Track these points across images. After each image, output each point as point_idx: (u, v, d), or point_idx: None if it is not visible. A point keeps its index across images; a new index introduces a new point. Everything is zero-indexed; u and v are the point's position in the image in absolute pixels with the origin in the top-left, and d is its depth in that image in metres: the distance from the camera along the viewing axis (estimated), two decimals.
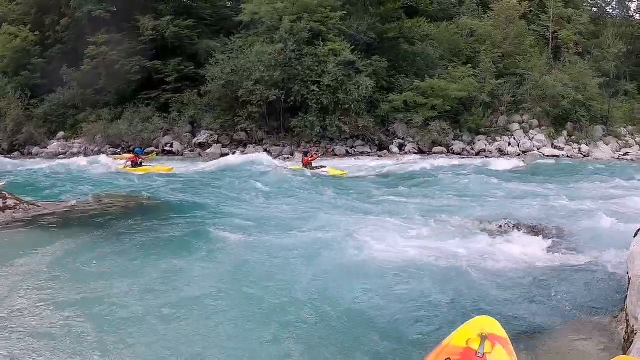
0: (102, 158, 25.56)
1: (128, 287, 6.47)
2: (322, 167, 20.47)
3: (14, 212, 10.43)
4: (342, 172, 20.14)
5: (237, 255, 7.89)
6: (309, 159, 20.90)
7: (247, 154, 27.34)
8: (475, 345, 3.10)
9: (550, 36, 36.54)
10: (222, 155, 28.01)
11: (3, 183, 12.69)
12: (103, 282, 6.65)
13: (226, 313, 5.79)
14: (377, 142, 30.24)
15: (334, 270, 7.15)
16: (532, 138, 30.28)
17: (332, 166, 21.21)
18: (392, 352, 4.91)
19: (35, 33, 37.09)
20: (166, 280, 6.78)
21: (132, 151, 23.61)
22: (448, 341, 3.27)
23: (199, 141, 31.17)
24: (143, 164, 21.66)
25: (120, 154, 26.64)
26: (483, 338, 3.12)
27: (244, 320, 5.60)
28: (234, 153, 28.14)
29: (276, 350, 4.98)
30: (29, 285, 6.48)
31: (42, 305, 5.85)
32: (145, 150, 26.50)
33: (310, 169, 20.29)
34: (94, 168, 21.86)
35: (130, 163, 21.64)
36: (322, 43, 29.57)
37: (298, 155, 26.21)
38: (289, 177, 18.12)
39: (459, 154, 28.78)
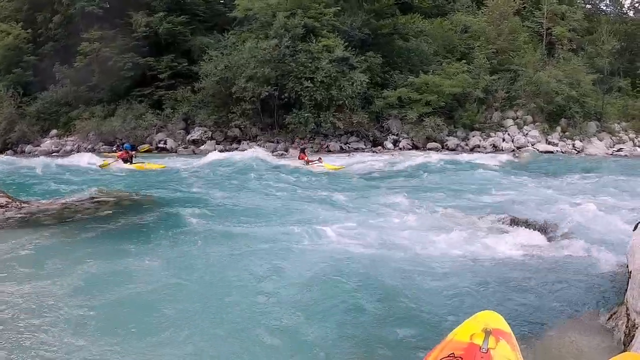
0: (88, 157, 25.14)
1: (118, 284, 6.40)
2: (318, 162, 20.46)
3: (5, 210, 10.32)
4: (339, 167, 20.16)
5: (226, 252, 7.85)
6: (305, 155, 20.96)
7: (240, 150, 27.26)
8: (479, 341, 3.06)
9: (544, 32, 36.61)
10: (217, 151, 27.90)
11: None
12: (92, 279, 6.57)
13: (219, 312, 5.73)
14: (371, 138, 30.22)
15: (330, 265, 7.10)
16: (526, 134, 30.33)
17: (326, 162, 21.18)
18: (395, 347, 4.86)
19: (28, 30, 36.83)
20: (154, 276, 6.72)
21: (122, 147, 23.43)
22: (452, 336, 3.22)
23: (192, 138, 31.08)
24: (134, 160, 21.51)
25: (115, 151, 26.31)
26: (487, 333, 3.07)
27: (233, 316, 5.55)
28: (226, 150, 27.98)
29: (272, 346, 4.92)
30: (17, 283, 6.39)
31: (27, 303, 5.77)
32: (139, 147, 26.42)
33: (307, 164, 20.34)
34: (86, 166, 21.69)
35: (120, 160, 21.47)
36: (315, 39, 29.47)
37: (292, 152, 26.20)
38: (284, 173, 18.09)
39: (453, 149, 28.78)
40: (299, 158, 21.10)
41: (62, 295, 6.06)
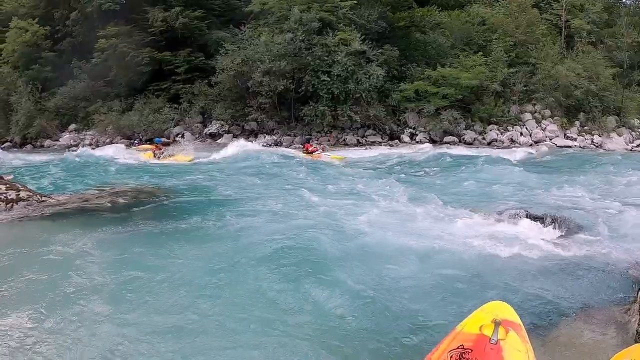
0: (118, 147, 25.70)
1: (139, 278, 6.49)
2: (322, 153, 21.09)
3: (27, 204, 10.47)
4: (341, 158, 20.48)
5: (244, 243, 7.93)
6: (310, 145, 21.70)
7: (258, 143, 27.38)
8: (488, 332, 3.06)
9: (563, 25, 36.12)
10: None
11: (11, 177, 12.72)
12: (113, 273, 6.66)
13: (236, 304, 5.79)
14: (388, 132, 30.13)
15: (342, 256, 7.13)
16: (545, 128, 30.02)
17: (343, 155, 21.58)
18: (404, 338, 4.88)
19: (45, 27, 37.15)
20: (176, 271, 6.78)
21: (152, 141, 23.85)
22: (461, 327, 3.23)
23: (209, 131, 31.26)
24: (163, 154, 21.76)
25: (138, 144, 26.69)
26: (497, 324, 3.07)
27: (251, 312, 5.59)
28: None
29: (286, 342, 4.95)
30: (40, 276, 6.51)
31: (49, 296, 5.87)
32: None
33: (310, 154, 21.01)
34: (106, 159, 21.89)
35: (153, 153, 21.73)
36: (331, 33, 29.43)
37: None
38: (296, 165, 18.15)
39: (471, 143, 28.58)
40: (304, 148, 21.57)
41: (74, 284, 6.21)
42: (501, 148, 26.31)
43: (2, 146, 34.35)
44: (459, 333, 3.16)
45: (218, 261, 7.11)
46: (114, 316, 5.41)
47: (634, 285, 5.88)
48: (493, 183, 13.93)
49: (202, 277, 6.56)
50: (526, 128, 30.15)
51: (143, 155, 22.60)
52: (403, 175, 16.02)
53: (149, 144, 25.74)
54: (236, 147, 24.47)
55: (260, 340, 4.97)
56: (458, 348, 3.03)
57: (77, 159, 22.10)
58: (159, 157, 21.32)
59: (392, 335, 4.96)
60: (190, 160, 20.79)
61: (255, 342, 4.95)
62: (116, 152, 23.79)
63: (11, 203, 10.34)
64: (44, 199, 11.11)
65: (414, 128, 30.11)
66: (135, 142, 29.16)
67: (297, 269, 6.70)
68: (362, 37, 29.44)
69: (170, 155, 21.70)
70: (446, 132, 29.23)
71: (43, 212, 10.03)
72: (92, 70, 34.48)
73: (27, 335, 5.00)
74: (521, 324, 3.21)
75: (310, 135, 28.69)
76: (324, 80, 28.39)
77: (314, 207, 10.47)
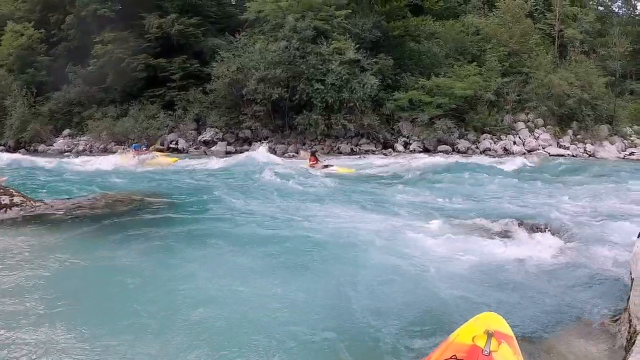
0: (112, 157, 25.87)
1: (131, 283, 6.52)
2: (329, 165, 20.67)
3: (20, 210, 10.47)
4: (350, 170, 20.28)
5: (236, 251, 7.96)
6: (316, 158, 21.31)
7: (251, 151, 27.37)
8: (481, 343, 3.09)
9: (556, 34, 36.39)
10: (227, 152, 28.19)
11: (5, 178, 12.68)
12: (107, 278, 6.69)
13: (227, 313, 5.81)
14: (382, 141, 30.24)
15: (337, 266, 7.17)
16: (538, 137, 30.19)
17: (336, 164, 21.37)
18: (397, 346, 4.91)
19: (41, 30, 37.17)
20: (166, 276, 6.80)
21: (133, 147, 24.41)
22: (454, 337, 3.26)
23: (204, 139, 31.30)
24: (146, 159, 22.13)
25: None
26: (489, 335, 3.10)
27: (246, 317, 5.62)
28: (236, 151, 28.21)
29: (278, 348, 4.98)
30: (34, 281, 6.51)
31: (44, 302, 5.87)
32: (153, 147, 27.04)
33: (314, 167, 20.50)
34: (99, 165, 21.92)
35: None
36: (326, 41, 29.55)
37: (303, 153, 26.18)
38: (298, 176, 18.14)
39: (464, 152, 28.72)
40: (309, 161, 21.19)
41: (62, 288, 6.23)
42: (494, 157, 26.40)
43: None
44: (452, 343, 3.20)
45: (207, 265, 7.18)
46: (101, 320, 5.42)
47: (623, 295, 5.93)
48: (486, 192, 14.00)
49: (192, 281, 6.59)
50: (519, 137, 30.32)
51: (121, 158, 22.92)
52: (396, 186, 16.02)
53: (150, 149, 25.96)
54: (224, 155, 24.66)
55: (249, 343, 5.01)
56: (451, 358, 3.07)
57: (70, 164, 22.10)
58: (142, 162, 21.57)
59: (384, 344, 4.99)
60: (174, 162, 20.91)
61: (247, 344, 4.99)
62: (112, 158, 23.92)
63: (5, 208, 10.34)
64: (37, 204, 11.10)
65: (407, 137, 30.22)
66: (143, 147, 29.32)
67: (291, 280, 6.74)
68: (357, 46, 29.60)
69: (153, 158, 22.06)
70: (440, 141, 29.34)
71: (36, 218, 10.03)
72: (87, 76, 34.46)
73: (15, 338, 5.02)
74: (513, 336, 3.24)
75: (304, 143, 28.82)
76: (318, 89, 28.51)
77: (314, 218, 10.50)
